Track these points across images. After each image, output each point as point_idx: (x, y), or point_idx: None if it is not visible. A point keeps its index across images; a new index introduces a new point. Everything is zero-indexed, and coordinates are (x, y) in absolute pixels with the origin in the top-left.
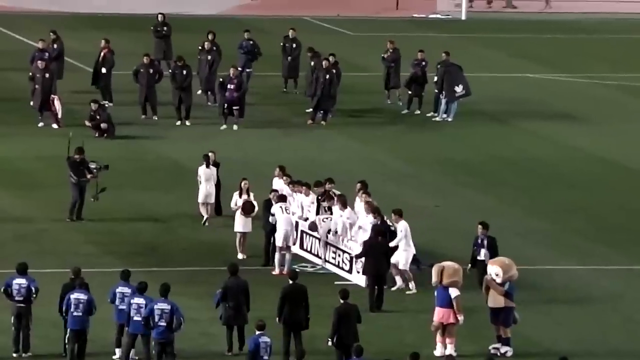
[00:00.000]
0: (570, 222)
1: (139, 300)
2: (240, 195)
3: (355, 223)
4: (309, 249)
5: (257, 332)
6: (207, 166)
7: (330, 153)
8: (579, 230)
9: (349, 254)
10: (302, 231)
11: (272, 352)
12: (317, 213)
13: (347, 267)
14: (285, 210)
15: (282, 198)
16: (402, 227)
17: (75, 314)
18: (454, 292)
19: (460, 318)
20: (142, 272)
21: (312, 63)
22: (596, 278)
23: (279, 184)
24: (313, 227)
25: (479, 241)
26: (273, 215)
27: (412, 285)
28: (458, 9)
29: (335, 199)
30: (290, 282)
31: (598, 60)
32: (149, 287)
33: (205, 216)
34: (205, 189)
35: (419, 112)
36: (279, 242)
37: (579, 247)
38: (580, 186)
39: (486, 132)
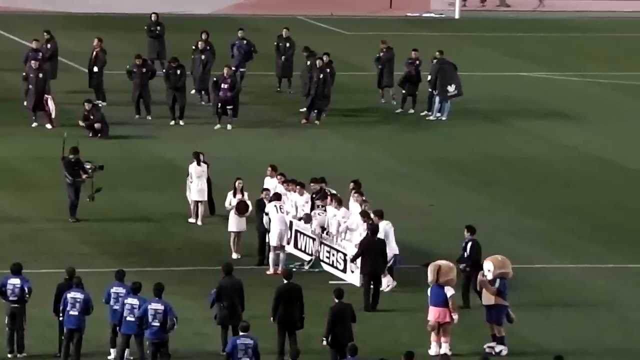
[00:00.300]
0: (565, 221)
1: (132, 301)
2: (234, 195)
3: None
4: (303, 248)
5: (240, 334)
6: (198, 163)
7: (324, 152)
8: (573, 229)
9: (344, 253)
10: (297, 230)
11: (267, 351)
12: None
13: (341, 267)
14: (280, 209)
15: (277, 197)
16: (381, 227)
17: (71, 312)
18: (449, 291)
19: (455, 317)
20: (136, 272)
21: (308, 62)
22: (591, 277)
23: (271, 183)
24: (307, 219)
25: (464, 244)
26: (267, 214)
27: (388, 280)
28: (452, 7)
29: (330, 198)
30: (285, 281)
31: (592, 58)
32: (143, 286)
33: (193, 218)
34: (198, 186)
35: (412, 111)
36: (273, 241)
37: (573, 246)
38: (574, 185)
39: (480, 131)
